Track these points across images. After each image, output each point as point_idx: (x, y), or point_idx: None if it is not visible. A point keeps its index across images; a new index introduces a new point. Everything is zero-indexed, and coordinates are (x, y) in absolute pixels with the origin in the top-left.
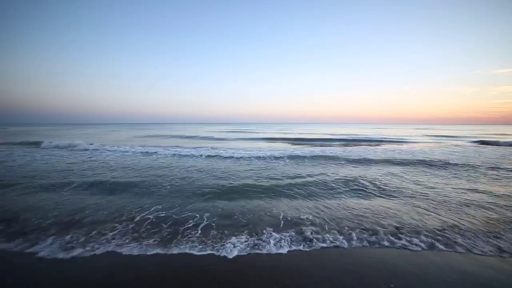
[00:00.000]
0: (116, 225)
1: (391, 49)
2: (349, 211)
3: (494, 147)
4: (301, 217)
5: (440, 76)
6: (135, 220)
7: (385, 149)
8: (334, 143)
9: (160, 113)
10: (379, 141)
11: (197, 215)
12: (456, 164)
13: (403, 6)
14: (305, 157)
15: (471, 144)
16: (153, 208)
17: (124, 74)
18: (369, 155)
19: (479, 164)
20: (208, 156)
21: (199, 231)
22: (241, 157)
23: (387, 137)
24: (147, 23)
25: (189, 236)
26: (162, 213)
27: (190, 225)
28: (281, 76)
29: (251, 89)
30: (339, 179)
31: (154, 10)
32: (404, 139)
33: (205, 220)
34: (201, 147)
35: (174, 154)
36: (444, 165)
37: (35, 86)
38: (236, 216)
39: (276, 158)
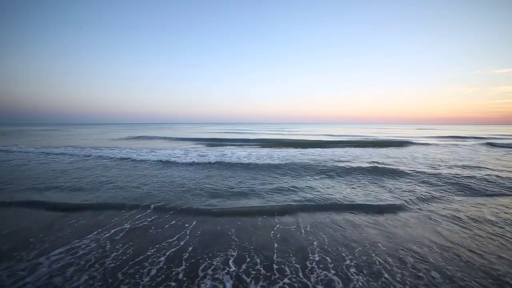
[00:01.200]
0: None
1: (391, 49)
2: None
3: None
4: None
5: (440, 76)
6: None
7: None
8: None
9: (160, 113)
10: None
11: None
12: None
13: (403, 6)
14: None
15: (490, 146)
16: None
17: (124, 74)
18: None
19: None
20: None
21: None
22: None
23: (393, 137)
24: (147, 23)
25: None
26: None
27: None
28: (281, 76)
29: (251, 89)
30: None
31: (154, 11)
32: (410, 139)
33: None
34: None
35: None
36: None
37: (35, 86)
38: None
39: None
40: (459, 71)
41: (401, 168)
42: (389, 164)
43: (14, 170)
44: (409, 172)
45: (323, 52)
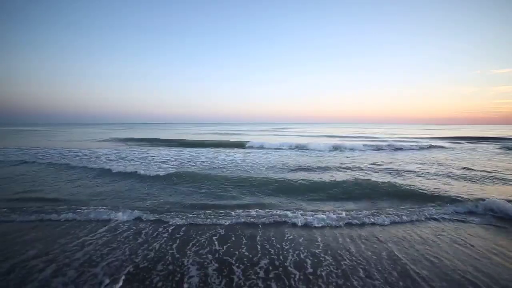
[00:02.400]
0: None
1: (390, 49)
2: None
3: None
4: None
5: (440, 76)
6: None
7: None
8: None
9: (160, 113)
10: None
11: None
12: None
13: (403, 6)
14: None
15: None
16: None
17: (124, 74)
18: None
19: None
20: None
21: None
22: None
23: (410, 139)
24: (147, 24)
25: None
26: None
27: None
28: (282, 76)
29: (251, 88)
30: None
31: (154, 11)
32: (419, 141)
33: None
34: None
35: None
36: None
37: (35, 86)
38: None
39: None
40: (459, 71)
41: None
42: (403, 174)
43: None
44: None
45: (323, 53)
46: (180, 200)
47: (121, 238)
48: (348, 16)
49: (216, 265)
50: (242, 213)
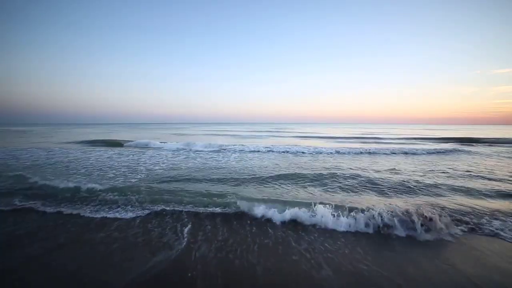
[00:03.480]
0: None
1: (390, 49)
2: None
3: None
4: None
5: (440, 76)
6: None
7: None
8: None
9: (160, 113)
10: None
11: None
12: None
13: (403, 6)
14: None
15: None
16: None
17: (124, 74)
18: None
19: None
20: None
21: None
22: None
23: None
24: (147, 24)
25: None
26: None
27: None
28: (282, 76)
29: (251, 88)
30: None
31: (154, 11)
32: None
33: None
34: None
35: None
36: None
37: (35, 86)
38: None
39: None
40: (459, 71)
41: None
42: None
43: None
44: None
45: (323, 53)
46: None
47: None
48: (348, 16)
49: None
50: None
